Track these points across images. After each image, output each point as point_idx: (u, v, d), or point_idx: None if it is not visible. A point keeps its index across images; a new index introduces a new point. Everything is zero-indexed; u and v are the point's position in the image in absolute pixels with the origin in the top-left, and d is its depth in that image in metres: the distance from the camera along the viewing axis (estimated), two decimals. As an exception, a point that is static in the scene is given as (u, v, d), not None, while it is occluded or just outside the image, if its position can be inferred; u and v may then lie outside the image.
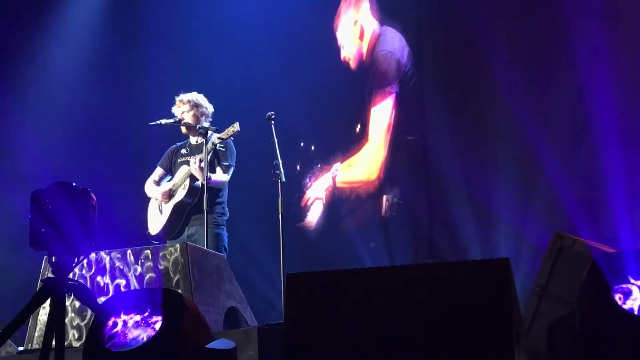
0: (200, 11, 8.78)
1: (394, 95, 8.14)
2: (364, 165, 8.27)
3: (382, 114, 8.17)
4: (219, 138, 5.99)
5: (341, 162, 8.40)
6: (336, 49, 8.56)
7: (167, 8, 8.96)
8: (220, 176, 6.09)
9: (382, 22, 8.36)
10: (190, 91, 6.39)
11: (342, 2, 8.62)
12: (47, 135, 8.08)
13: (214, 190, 6.01)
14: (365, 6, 8.48)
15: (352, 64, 8.49)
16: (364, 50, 8.42)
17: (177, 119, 6.26)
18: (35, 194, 3.66)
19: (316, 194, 8.49)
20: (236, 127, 5.95)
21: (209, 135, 6.02)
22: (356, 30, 8.49)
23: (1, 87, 8.01)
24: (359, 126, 8.34)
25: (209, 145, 6.00)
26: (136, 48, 8.83)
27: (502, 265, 3.14)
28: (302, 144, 8.59)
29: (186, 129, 6.30)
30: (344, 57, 8.53)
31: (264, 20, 8.55)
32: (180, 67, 8.52)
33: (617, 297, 3.21)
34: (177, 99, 6.33)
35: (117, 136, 8.36)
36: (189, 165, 6.13)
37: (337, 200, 8.38)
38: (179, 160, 6.32)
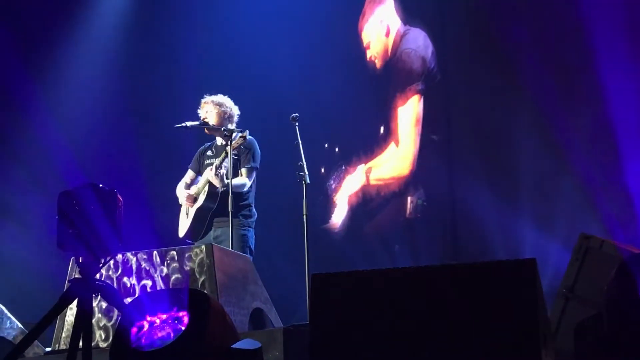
0: (225, 14, 8.81)
1: (420, 92, 8.11)
2: (397, 161, 8.24)
3: (409, 112, 8.16)
4: (230, 145, 5.94)
5: (365, 164, 8.39)
6: (361, 50, 8.55)
7: (192, 11, 9.00)
8: (240, 179, 6.06)
9: (406, 21, 8.35)
10: (216, 93, 6.42)
11: (367, 2, 8.62)
12: (75, 136, 8.14)
13: (237, 193, 5.99)
14: (390, 5, 8.48)
15: (378, 63, 8.48)
16: (390, 48, 8.41)
17: (202, 121, 6.28)
18: (63, 195, 3.70)
19: (348, 191, 8.47)
20: (245, 135, 5.93)
21: (233, 137, 6.01)
22: (382, 29, 8.48)
23: (30, 88, 8.08)
24: (382, 128, 8.33)
25: (223, 154, 6.00)
26: (163, 51, 8.88)
27: (528, 266, 3.12)
28: (326, 146, 8.59)
29: (210, 130, 6.32)
30: (371, 57, 8.51)
31: (288, 22, 8.57)
32: (206, 69, 8.56)
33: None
34: (202, 100, 6.38)
35: (144, 137, 8.41)
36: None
37: (362, 202, 8.37)
38: (205, 162, 6.36)
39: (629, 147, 6.43)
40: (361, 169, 8.41)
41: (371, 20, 8.56)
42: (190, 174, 6.47)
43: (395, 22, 8.42)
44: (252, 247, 6.14)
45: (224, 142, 6.25)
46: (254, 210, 6.26)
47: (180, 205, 6.46)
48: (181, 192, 6.39)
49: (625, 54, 6.52)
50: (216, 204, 6.11)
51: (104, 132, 8.40)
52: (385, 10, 8.51)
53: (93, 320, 4.70)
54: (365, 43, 8.57)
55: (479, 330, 3.04)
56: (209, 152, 6.39)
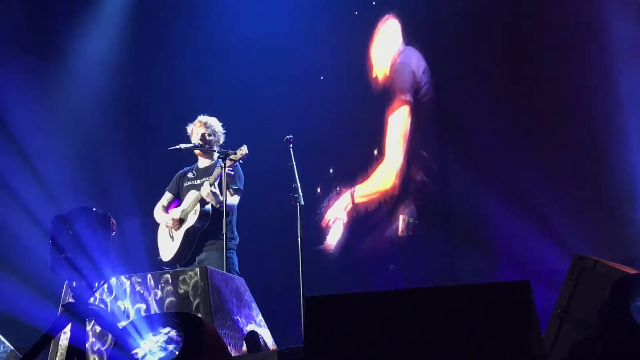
0: (222, 34, 8.83)
1: (408, 103, 8.16)
2: (381, 174, 8.25)
3: (397, 122, 8.20)
4: (229, 159, 5.97)
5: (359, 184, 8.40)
6: (359, 71, 8.56)
7: (187, 33, 9.03)
8: (231, 199, 6.07)
9: (407, 42, 8.41)
10: (210, 114, 6.43)
11: (380, 23, 8.63)
12: (68, 158, 8.13)
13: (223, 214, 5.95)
14: (397, 27, 8.52)
15: (381, 78, 8.50)
16: (390, 65, 8.47)
17: (197, 143, 6.28)
18: (56, 219, 3.70)
19: (336, 214, 8.47)
20: (244, 149, 5.94)
21: (220, 160, 6.02)
22: (391, 47, 8.55)
23: (22, 108, 8.08)
24: (377, 149, 8.35)
25: (218, 169, 5.99)
26: (156, 74, 8.91)
27: (522, 288, 3.12)
28: (320, 167, 8.60)
29: (205, 152, 6.32)
30: (375, 75, 8.54)
31: (284, 44, 8.60)
32: (200, 91, 8.57)
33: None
34: (200, 119, 6.36)
35: (137, 160, 8.41)
36: (197, 190, 6.14)
37: (355, 222, 8.36)
38: (185, 184, 6.33)
39: (622, 167, 6.45)
40: (347, 193, 8.42)
41: (382, 40, 8.61)
42: (167, 196, 6.43)
43: (398, 42, 8.49)
44: (237, 269, 6.11)
45: (207, 164, 6.26)
46: (236, 232, 6.23)
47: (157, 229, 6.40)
48: (163, 215, 6.32)
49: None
50: (207, 224, 6.08)
51: (97, 155, 8.38)
52: (393, 30, 8.57)
53: (87, 345, 4.69)
54: (373, 60, 8.60)
55: (473, 352, 3.04)
56: (190, 175, 6.37)
